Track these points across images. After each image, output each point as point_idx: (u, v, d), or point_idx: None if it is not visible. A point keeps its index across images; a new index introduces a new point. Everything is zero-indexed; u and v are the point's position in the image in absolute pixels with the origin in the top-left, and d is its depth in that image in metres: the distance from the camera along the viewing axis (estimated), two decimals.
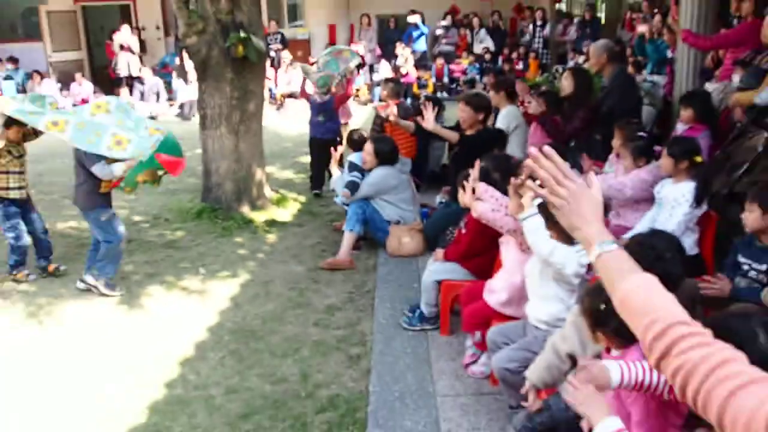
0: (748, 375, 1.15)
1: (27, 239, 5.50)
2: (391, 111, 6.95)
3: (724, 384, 1.14)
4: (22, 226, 5.46)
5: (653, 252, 2.67)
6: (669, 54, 8.00)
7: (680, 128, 5.46)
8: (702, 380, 1.17)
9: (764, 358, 1.62)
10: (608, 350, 2.47)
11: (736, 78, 5.67)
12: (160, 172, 5.39)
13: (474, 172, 3.98)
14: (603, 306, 2.29)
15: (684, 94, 5.64)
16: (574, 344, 2.77)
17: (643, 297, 1.37)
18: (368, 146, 5.94)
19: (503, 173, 4.21)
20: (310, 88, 8.14)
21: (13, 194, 5.35)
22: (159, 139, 4.95)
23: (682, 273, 2.81)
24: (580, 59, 12.52)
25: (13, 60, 15.12)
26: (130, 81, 15.20)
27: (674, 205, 4.11)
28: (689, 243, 4.05)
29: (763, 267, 3.24)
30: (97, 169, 4.98)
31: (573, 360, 2.84)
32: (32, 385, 4.00)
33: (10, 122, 5.10)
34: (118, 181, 5.25)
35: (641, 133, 5.20)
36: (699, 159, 4.12)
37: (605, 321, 2.32)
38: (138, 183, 5.45)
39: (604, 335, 2.40)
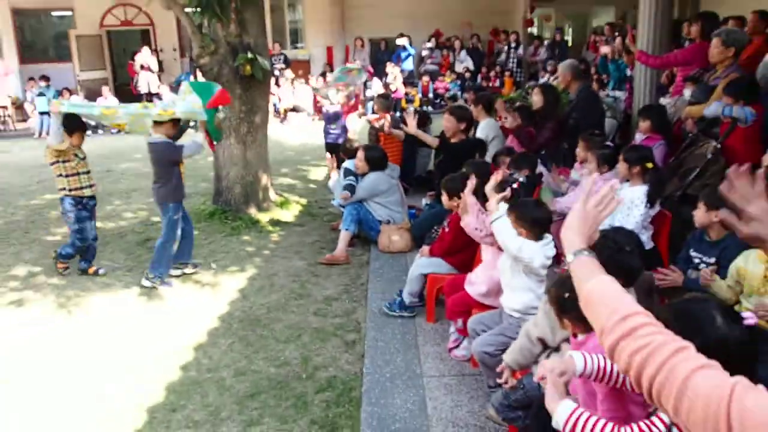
0: (703, 359, 1.15)
1: (89, 243, 5.48)
2: (386, 122, 6.97)
3: (684, 363, 1.13)
4: (88, 232, 5.40)
5: (616, 245, 2.66)
6: (629, 72, 8.02)
7: (639, 138, 5.46)
8: (665, 359, 1.15)
9: (722, 337, 1.62)
10: (575, 335, 2.47)
11: (687, 93, 5.70)
12: (220, 115, 5.45)
13: (469, 185, 3.94)
14: (567, 295, 2.32)
15: (642, 108, 5.66)
16: (544, 330, 2.77)
17: (606, 291, 1.38)
18: (360, 154, 5.93)
19: (482, 178, 4.21)
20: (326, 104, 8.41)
21: (87, 192, 5.32)
22: (194, 97, 5.07)
23: (642, 265, 2.81)
24: (550, 77, 12.55)
25: (45, 78, 15.02)
26: (150, 97, 15.15)
27: (630, 206, 4.12)
28: (645, 239, 4.06)
29: (712, 260, 3.24)
30: (190, 150, 5.14)
31: (543, 344, 2.84)
32: (62, 366, 3.97)
33: (73, 129, 5.10)
34: (212, 145, 5.53)
35: (607, 143, 5.24)
36: (650, 165, 4.13)
37: (569, 308, 2.33)
38: (220, 131, 5.61)
39: (569, 321, 2.42)
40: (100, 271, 5.52)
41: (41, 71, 15.38)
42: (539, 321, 2.83)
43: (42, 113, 14.30)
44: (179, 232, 5.22)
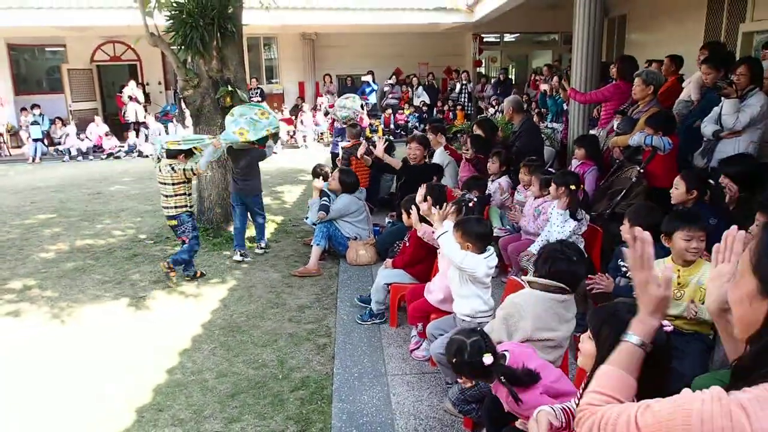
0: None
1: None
2: (362, 146, 7.06)
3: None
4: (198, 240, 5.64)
5: (565, 256, 2.75)
6: (565, 107, 8.26)
7: (575, 164, 5.61)
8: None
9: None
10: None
11: (615, 124, 5.90)
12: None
13: (419, 196, 4.03)
14: (454, 359, 2.51)
15: (577, 138, 5.82)
16: (501, 335, 2.80)
17: (608, 374, 1.44)
18: (336, 174, 5.98)
19: (437, 199, 4.30)
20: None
21: (193, 208, 5.61)
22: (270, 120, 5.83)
23: (585, 273, 2.92)
24: (496, 111, 12.81)
25: (36, 106, 14.71)
26: (137, 126, 14.93)
27: (560, 222, 4.25)
28: None
29: None
30: (268, 152, 6.27)
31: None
32: (56, 369, 3.87)
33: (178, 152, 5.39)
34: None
35: (548, 169, 5.41)
36: (573, 187, 4.27)
37: (460, 369, 2.54)
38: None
39: (466, 379, 2.61)
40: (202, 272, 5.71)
41: (35, 102, 15.03)
42: (496, 327, 2.84)
43: (35, 140, 13.97)
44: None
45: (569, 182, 4.27)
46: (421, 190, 4.04)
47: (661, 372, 1.73)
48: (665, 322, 1.93)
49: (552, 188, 4.38)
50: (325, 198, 5.98)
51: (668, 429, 1.07)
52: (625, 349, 1.45)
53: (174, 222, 5.41)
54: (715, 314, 1.51)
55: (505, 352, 2.50)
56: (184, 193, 5.33)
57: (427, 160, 6.57)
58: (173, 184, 5.28)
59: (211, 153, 5.44)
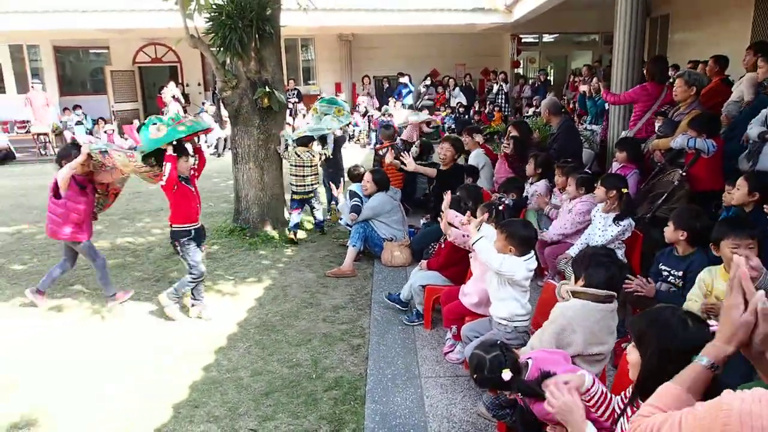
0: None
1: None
2: (389, 153, 7.05)
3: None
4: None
5: (609, 260, 2.70)
6: (606, 107, 8.12)
7: (615, 167, 5.51)
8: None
9: (696, 338, 1.65)
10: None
11: (657, 126, 5.77)
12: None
13: (444, 203, 4.03)
14: (474, 375, 2.59)
15: (619, 140, 5.70)
16: (551, 346, 2.76)
17: (670, 396, 1.42)
18: (368, 175, 6.01)
19: (474, 201, 4.29)
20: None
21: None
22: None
23: (624, 276, 2.88)
24: (533, 112, 12.68)
25: (78, 107, 15.21)
26: None
27: (605, 226, 4.18)
28: (619, 255, 4.11)
29: (680, 273, 3.27)
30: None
31: None
32: (96, 365, 3.99)
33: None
34: None
35: (585, 170, 5.34)
36: (625, 190, 4.20)
37: (483, 384, 2.62)
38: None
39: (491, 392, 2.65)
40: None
41: (78, 103, 15.54)
42: (545, 340, 2.77)
43: None
44: None
45: (620, 186, 4.18)
46: (447, 198, 4.03)
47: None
48: (713, 322, 1.88)
49: (600, 191, 4.28)
50: (356, 199, 6.01)
51: (709, 428, 1.06)
52: (692, 369, 1.43)
53: (311, 195, 6.82)
54: (753, 359, 1.40)
55: (528, 360, 2.47)
56: (317, 173, 6.84)
57: (461, 162, 6.56)
58: (311, 165, 6.69)
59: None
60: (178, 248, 4.65)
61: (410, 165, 6.40)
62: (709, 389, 1.61)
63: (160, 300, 4.73)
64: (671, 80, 6.66)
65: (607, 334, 2.69)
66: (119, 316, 4.83)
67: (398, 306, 4.66)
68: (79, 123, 14.67)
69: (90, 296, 5.27)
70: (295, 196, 6.82)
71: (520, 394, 2.35)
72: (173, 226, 4.62)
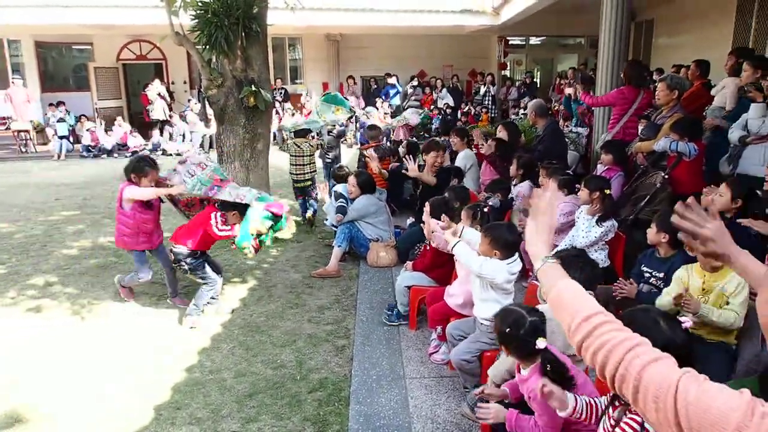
0: (655, 353, 1.17)
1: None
2: (374, 161, 7.01)
3: (639, 358, 1.16)
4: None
5: (581, 260, 2.73)
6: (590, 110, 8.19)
7: (600, 169, 5.57)
8: (622, 356, 1.18)
9: (667, 339, 1.69)
10: (518, 369, 2.51)
11: (639, 129, 5.84)
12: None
13: (425, 214, 4.04)
14: (507, 329, 2.41)
15: (604, 143, 5.74)
16: None
17: (571, 294, 1.39)
18: (352, 179, 5.99)
19: (461, 201, 4.30)
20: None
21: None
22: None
23: (600, 275, 2.90)
24: (520, 114, 12.74)
25: (61, 103, 15.04)
26: (162, 124, 15.15)
27: (588, 227, 4.22)
28: (602, 256, 4.16)
29: (661, 274, 3.31)
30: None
31: None
32: (76, 366, 3.95)
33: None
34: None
35: (567, 171, 5.39)
36: (608, 191, 4.24)
37: (509, 341, 2.43)
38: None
39: (506, 350, 2.50)
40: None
41: (61, 99, 15.36)
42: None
43: (61, 137, 14.25)
44: None
45: (603, 187, 4.23)
46: (427, 208, 4.04)
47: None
48: (683, 319, 1.91)
49: (584, 192, 4.33)
50: (342, 200, 6.01)
51: (705, 419, 1.02)
52: (555, 269, 1.48)
53: (309, 183, 7.25)
54: (726, 263, 1.61)
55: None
56: (314, 162, 7.33)
57: (448, 162, 6.58)
58: (309, 155, 7.18)
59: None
60: (186, 268, 4.59)
61: (413, 171, 6.33)
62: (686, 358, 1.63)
63: (186, 322, 4.59)
64: (655, 84, 6.73)
65: None
66: (102, 317, 4.78)
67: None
68: (61, 120, 14.49)
69: (70, 297, 5.21)
70: (296, 185, 7.38)
71: (548, 366, 2.29)
72: (180, 246, 4.54)
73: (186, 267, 4.59)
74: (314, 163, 7.37)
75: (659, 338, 1.72)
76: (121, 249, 5.25)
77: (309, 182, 7.30)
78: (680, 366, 1.21)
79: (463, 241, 3.29)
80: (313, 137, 7.74)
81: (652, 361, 1.14)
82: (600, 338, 1.23)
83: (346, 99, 9.75)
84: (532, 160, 5.78)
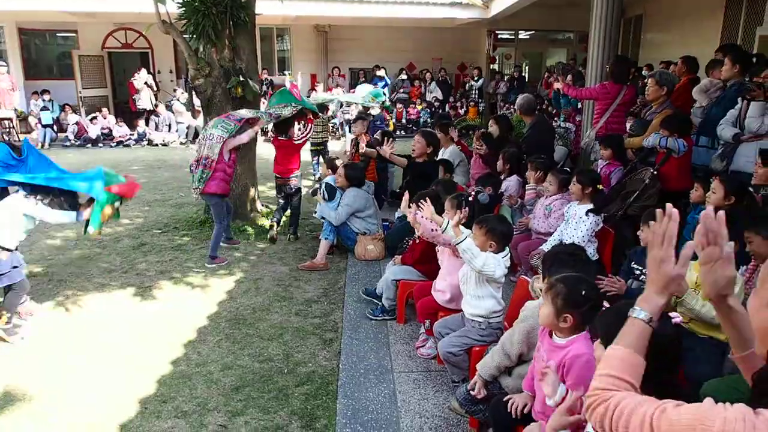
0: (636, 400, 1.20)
1: None
2: (362, 143, 7.02)
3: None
4: None
5: (572, 257, 2.72)
6: (579, 105, 8.21)
7: (601, 164, 5.56)
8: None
9: (657, 333, 1.67)
10: (550, 334, 2.41)
11: (628, 125, 5.85)
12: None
13: (404, 202, 4.01)
14: (584, 292, 2.26)
15: (604, 138, 5.70)
16: (523, 348, 2.75)
17: (619, 360, 1.38)
18: (340, 170, 5.93)
19: (449, 194, 4.28)
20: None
21: None
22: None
23: (595, 273, 2.88)
24: (509, 108, 12.75)
25: (46, 92, 14.79)
26: (148, 114, 14.96)
27: (578, 220, 4.23)
28: (591, 251, 4.18)
29: None
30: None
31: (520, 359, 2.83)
32: (59, 359, 3.90)
33: None
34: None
35: (565, 169, 5.42)
36: (600, 186, 4.25)
37: (581, 304, 2.25)
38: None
39: (572, 317, 2.28)
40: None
41: (45, 87, 15.11)
42: (517, 339, 2.77)
43: (45, 126, 14.02)
44: None
45: (595, 181, 4.23)
46: (406, 196, 4.01)
47: (670, 367, 1.70)
48: (673, 314, 1.91)
49: (576, 188, 4.33)
50: (330, 188, 5.97)
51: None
52: (631, 325, 1.41)
53: (322, 147, 9.09)
54: (716, 301, 1.46)
55: None
56: (327, 129, 9.26)
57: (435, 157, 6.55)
58: (323, 124, 8.92)
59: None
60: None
61: (386, 152, 6.34)
62: (672, 376, 1.62)
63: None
64: (644, 80, 6.75)
65: None
66: (86, 309, 4.72)
67: (375, 300, 4.64)
68: (45, 109, 14.26)
69: (53, 288, 5.13)
70: (312, 148, 9.02)
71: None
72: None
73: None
74: (328, 129, 9.45)
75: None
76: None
77: (322, 146, 9.09)
78: (668, 357, 1.22)
79: (470, 237, 3.24)
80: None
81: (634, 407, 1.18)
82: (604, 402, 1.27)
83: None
84: (519, 154, 5.78)
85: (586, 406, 1.32)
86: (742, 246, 2.92)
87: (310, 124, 6.59)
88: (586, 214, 4.18)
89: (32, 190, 4.14)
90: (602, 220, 4.35)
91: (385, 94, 14.92)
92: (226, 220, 5.96)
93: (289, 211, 6.59)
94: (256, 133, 6.28)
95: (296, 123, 6.49)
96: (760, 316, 1.21)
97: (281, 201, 6.61)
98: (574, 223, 4.25)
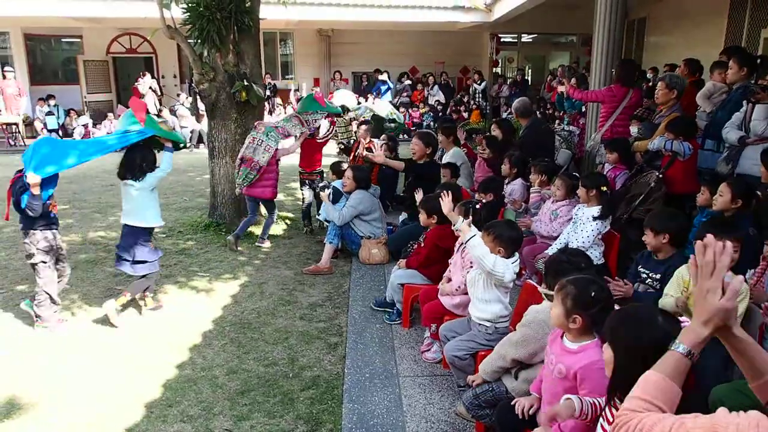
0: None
1: None
2: (361, 148, 7.03)
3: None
4: None
5: (572, 265, 2.69)
6: (583, 108, 8.20)
7: (608, 167, 5.55)
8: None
9: (665, 334, 1.67)
10: (561, 336, 2.37)
11: (634, 130, 5.83)
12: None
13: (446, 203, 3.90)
14: (593, 293, 2.24)
15: (610, 141, 5.68)
16: (522, 354, 2.74)
17: (652, 384, 1.38)
18: (348, 172, 5.94)
19: (453, 199, 4.27)
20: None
21: None
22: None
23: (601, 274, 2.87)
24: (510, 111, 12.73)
25: (51, 96, 14.85)
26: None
27: (585, 223, 4.21)
28: (597, 254, 4.16)
29: (658, 275, 3.30)
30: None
31: (517, 363, 2.82)
32: (65, 363, 3.89)
33: None
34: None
35: (574, 174, 5.42)
36: (604, 188, 4.24)
37: (591, 306, 2.22)
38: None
39: (581, 319, 2.24)
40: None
41: (50, 92, 15.16)
42: (514, 341, 2.77)
43: (50, 130, 14.06)
44: None
45: (601, 184, 4.23)
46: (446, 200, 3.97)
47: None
48: (682, 319, 1.90)
49: (582, 191, 4.32)
50: (337, 192, 5.98)
51: None
52: (670, 356, 1.41)
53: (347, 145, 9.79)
54: (721, 335, 1.43)
55: None
56: (349, 130, 10.50)
57: (436, 159, 6.55)
58: (345, 125, 10.22)
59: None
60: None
61: (378, 157, 6.40)
62: (689, 381, 1.61)
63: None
64: (649, 83, 6.72)
65: None
66: (92, 314, 4.71)
67: (388, 309, 4.60)
68: (50, 114, 14.32)
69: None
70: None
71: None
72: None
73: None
74: (350, 130, 10.79)
75: (657, 333, 1.71)
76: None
77: (343, 144, 10.23)
78: None
79: (478, 236, 3.23)
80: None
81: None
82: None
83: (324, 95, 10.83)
84: (524, 157, 5.77)
85: (614, 425, 1.33)
86: (743, 247, 2.90)
87: (333, 126, 7.28)
88: (593, 219, 4.16)
89: (128, 168, 4.43)
90: (609, 221, 4.33)
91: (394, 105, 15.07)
92: (274, 213, 6.50)
93: (310, 198, 6.90)
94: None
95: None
96: None
97: (305, 193, 6.94)
98: (581, 225, 4.24)
